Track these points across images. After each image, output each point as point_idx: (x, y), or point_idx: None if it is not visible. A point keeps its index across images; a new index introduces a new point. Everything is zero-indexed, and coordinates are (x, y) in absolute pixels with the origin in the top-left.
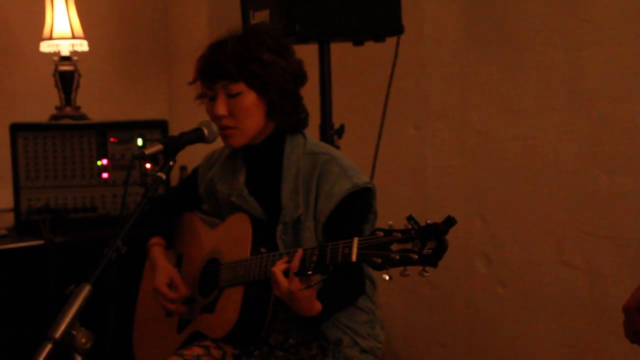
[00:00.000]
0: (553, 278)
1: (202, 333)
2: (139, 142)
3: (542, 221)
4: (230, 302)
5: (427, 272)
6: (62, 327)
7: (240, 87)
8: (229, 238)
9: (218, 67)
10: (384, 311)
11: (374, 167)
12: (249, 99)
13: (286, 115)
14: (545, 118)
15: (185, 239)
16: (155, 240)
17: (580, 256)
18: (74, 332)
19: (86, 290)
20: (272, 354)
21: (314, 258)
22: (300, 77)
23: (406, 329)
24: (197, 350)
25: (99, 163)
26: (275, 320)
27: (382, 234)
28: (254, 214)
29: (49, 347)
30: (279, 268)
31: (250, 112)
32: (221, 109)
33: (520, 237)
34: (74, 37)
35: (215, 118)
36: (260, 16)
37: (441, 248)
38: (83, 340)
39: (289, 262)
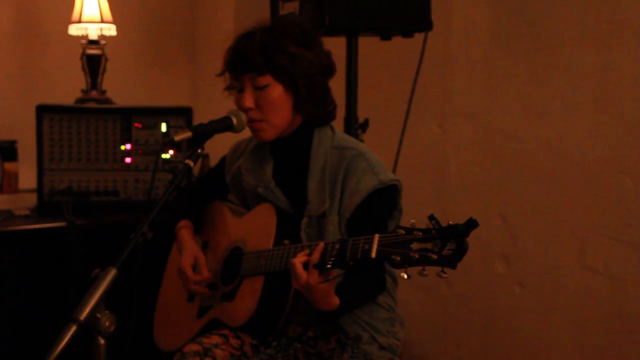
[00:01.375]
0: (573, 281)
1: (221, 320)
2: (163, 128)
3: (564, 224)
4: (250, 291)
5: (445, 273)
6: (88, 310)
7: (267, 79)
8: (254, 228)
9: (245, 59)
10: (399, 308)
11: (396, 163)
12: (276, 91)
13: (313, 108)
14: (571, 120)
15: (212, 226)
16: (183, 223)
17: (602, 261)
18: (98, 315)
19: (112, 274)
20: (290, 345)
21: (334, 252)
22: (329, 69)
23: (421, 327)
24: (215, 339)
25: (122, 148)
26: (294, 312)
27: (403, 232)
28: (280, 206)
29: (73, 328)
30: (298, 260)
31: (277, 104)
32: (248, 101)
33: (541, 239)
34: (102, 21)
35: (243, 110)
36: (290, 7)
37: (461, 250)
38: (107, 324)
39: (309, 255)
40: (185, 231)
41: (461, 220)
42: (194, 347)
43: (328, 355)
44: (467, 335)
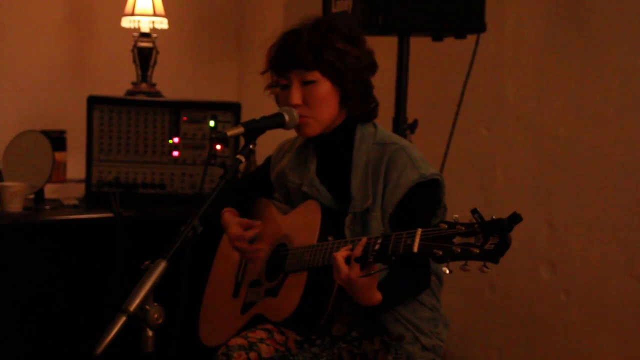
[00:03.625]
0: (621, 291)
1: (264, 316)
2: (211, 123)
3: (614, 232)
4: (293, 287)
5: (487, 268)
6: (137, 301)
7: (315, 75)
8: (299, 224)
9: (293, 56)
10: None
11: (443, 164)
12: (324, 87)
13: (359, 104)
14: (625, 126)
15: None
16: (226, 209)
17: None
18: (147, 307)
19: (162, 266)
20: (334, 344)
21: (377, 247)
22: (372, 67)
23: (462, 329)
24: (260, 334)
25: (170, 141)
26: (339, 311)
27: (445, 226)
28: (325, 203)
29: (123, 319)
30: (341, 254)
31: (325, 101)
32: (296, 97)
33: (589, 247)
34: (155, 14)
35: (290, 107)
36: (343, 5)
37: (504, 244)
38: (156, 316)
39: (352, 249)
40: (228, 214)
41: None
42: (239, 341)
43: (372, 355)
44: (509, 341)
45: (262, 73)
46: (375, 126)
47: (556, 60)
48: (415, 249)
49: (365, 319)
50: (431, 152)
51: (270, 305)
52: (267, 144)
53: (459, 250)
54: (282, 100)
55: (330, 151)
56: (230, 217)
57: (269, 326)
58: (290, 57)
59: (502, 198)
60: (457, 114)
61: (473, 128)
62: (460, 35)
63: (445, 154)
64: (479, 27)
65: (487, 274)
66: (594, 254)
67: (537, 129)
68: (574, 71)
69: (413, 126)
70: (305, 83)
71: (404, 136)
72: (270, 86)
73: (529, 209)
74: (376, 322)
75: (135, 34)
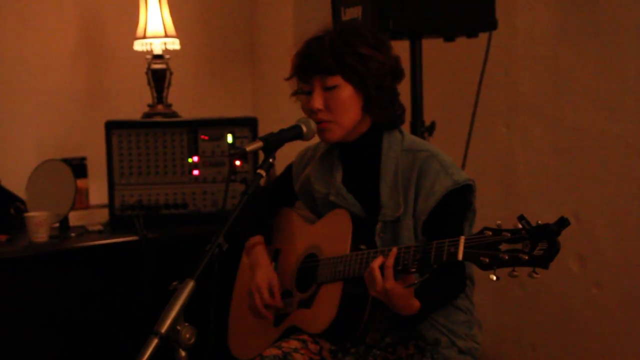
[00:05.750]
0: None
1: (299, 328)
2: (229, 139)
3: None
4: (329, 298)
5: (537, 273)
6: (168, 322)
7: (337, 80)
8: (329, 234)
9: (315, 61)
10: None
11: (463, 164)
12: (346, 92)
13: (383, 110)
14: None
15: (283, 234)
16: (256, 239)
17: None
18: (178, 328)
19: (190, 285)
20: (369, 352)
21: (418, 256)
22: (398, 73)
23: (495, 329)
24: (294, 344)
25: (189, 160)
26: (373, 319)
27: (490, 233)
28: (353, 211)
29: (155, 341)
30: (376, 264)
31: (347, 106)
32: (317, 102)
33: (617, 238)
34: (166, 36)
35: (312, 112)
36: (352, 12)
37: (554, 249)
38: (187, 336)
39: (385, 259)
40: (259, 248)
41: (534, 221)
42: (274, 351)
43: None
44: (542, 337)
45: (287, 79)
46: (402, 132)
47: (571, 52)
48: (460, 257)
49: (400, 324)
50: (451, 153)
51: (305, 316)
52: (287, 154)
53: (507, 257)
54: (305, 105)
55: (357, 159)
56: (260, 257)
57: (303, 336)
58: (312, 62)
59: (525, 195)
60: (474, 113)
61: (491, 126)
62: (472, 34)
63: (465, 154)
64: (491, 24)
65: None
66: (622, 244)
67: (557, 122)
68: (589, 61)
69: (431, 129)
70: (327, 89)
71: (422, 139)
72: (295, 93)
73: (554, 204)
74: (410, 328)
75: (148, 56)
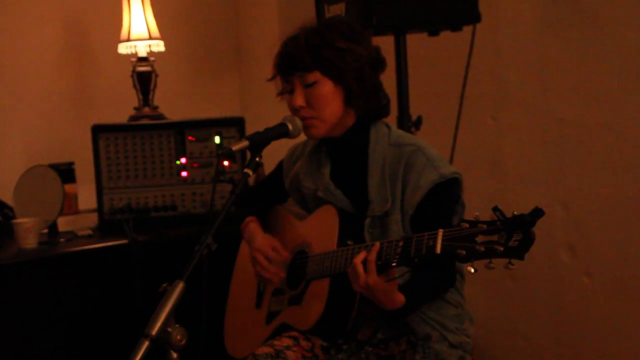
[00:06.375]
0: None
1: (290, 325)
2: (217, 140)
3: (629, 208)
4: (316, 294)
5: (512, 264)
6: (159, 325)
7: (315, 76)
8: (317, 230)
9: (292, 59)
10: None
11: (451, 158)
12: (326, 87)
13: (365, 102)
14: (631, 103)
15: (275, 231)
16: (250, 218)
17: None
18: (169, 329)
19: (180, 287)
20: (361, 348)
21: (399, 250)
22: (378, 63)
23: (489, 322)
24: (286, 341)
25: (177, 162)
26: (363, 315)
27: (467, 225)
28: (342, 207)
29: (146, 344)
30: (359, 259)
31: (327, 100)
32: (299, 100)
33: (607, 226)
34: (150, 38)
35: (295, 110)
36: (336, 9)
37: (528, 240)
38: (178, 337)
39: (367, 255)
40: (254, 225)
41: (522, 211)
42: (266, 349)
43: (400, 357)
44: (536, 328)
45: (269, 80)
46: (388, 127)
47: (555, 42)
48: (438, 250)
49: (388, 319)
50: (438, 147)
51: (294, 313)
52: (276, 152)
53: (483, 249)
54: (288, 104)
55: (344, 154)
56: (256, 229)
57: (295, 333)
58: (290, 61)
59: (514, 186)
60: (460, 106)
61: (478, 119)
62: (455, 27)
63: (453, 148)
64: (474, 17)
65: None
66: (612, 232)
67: (543, 113)
68: (574, 51)
69: (418, 123)
70: (308, 85)
71: (410, 134)
72: (280, 94)
73: (543, 194)
74: (401, 323)
75: (133, 59)
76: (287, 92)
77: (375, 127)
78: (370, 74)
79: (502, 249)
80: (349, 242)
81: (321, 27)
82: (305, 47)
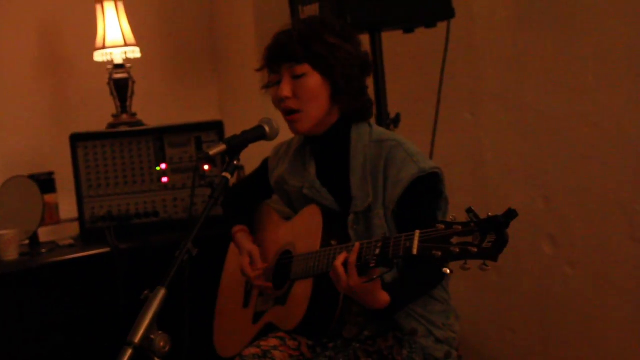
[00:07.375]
0: (624, 256)
1: (275, 325)
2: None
3: (609, 198)
4: (300, 295)
5: (487, 266)
6: (141, 332)
7: (304, 68)
8: (301, 230)
9: (283, 50)
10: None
11: (431, 154)
12: (314, 80)
13: (351, 100)
14: (606, 93)
15: (262, 231)
16: (238, 227)
17: None
18: (152, 337)
19: (161, 294)
20: (348, 346)
21: (377, 251)
22: (366, 65)
23: (474, 316)
24: (273, 342)
25: (157, 168)
26: (349, 313)
27: (443, 226)
28: (327, 205)
29: (129, 352)
30: (339, 262)
31: (314, 93)
32: (286, 90)
33: (587, 216)
34: (126, 45)
35: (280, 100)
36: (310, 10)
37: (501, 241)
38: (162, 344)
39: (348, 256)
40: (241, 234)
41: (504, 206)
42: (253, 350)
43: (388, 352)
44: (521, 320)
45: (258, 70)
46: (370, 125)
47: (529, 35)
48: (415, 251)
49: (374, 318)
50: (418, 143)
51: (279, 313)
52: (259, 152)
53: (458, 250)
54: (274, 96)
55: (328, 152)
56: (242, 239)
57: (281, 333)
58: (281, 51)
59: (495, 180)
60: (438, 102)
61: (457, 114)
62: (430, 24)
63: (433, 144)
64: (448, 13)
65: None
66: (592, 222)
67: (520, 106)
68: (548, 43)
69: (396, 120)
70: (296, 77)
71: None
72: (266, 86)
73: (523, 187)
74: (385, 320)
75: (110, 66)
76: (273, 84)
77: (356, 125)
78: (357, 74)
79: (475, 250)
80: (333, 242)
81: (314, 22)
82: (297, 39)
